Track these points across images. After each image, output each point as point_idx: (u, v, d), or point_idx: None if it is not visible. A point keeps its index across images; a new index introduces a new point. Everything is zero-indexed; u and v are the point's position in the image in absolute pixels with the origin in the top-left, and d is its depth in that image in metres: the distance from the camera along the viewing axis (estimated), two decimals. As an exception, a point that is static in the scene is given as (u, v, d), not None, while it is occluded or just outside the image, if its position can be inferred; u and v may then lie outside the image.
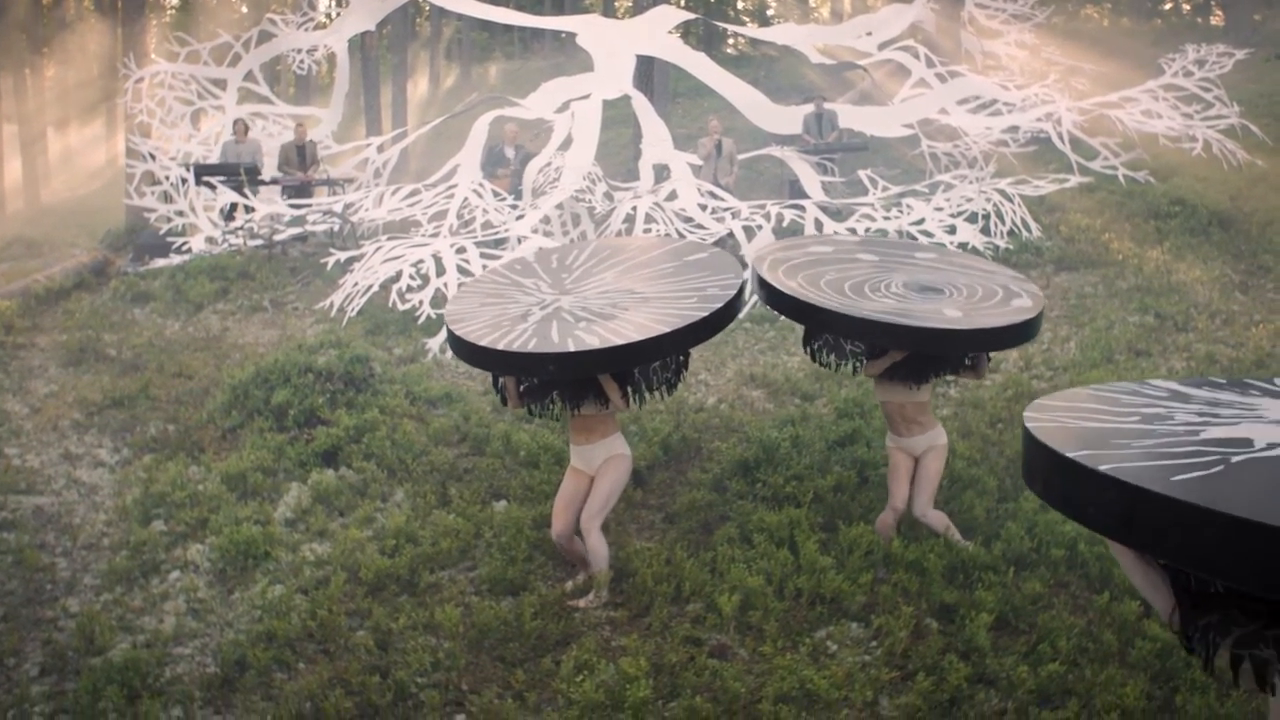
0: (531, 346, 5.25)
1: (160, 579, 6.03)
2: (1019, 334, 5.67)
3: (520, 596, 5.74)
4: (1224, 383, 3.36)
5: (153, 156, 13.84)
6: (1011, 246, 11.46)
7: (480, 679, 5.08)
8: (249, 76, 16.37)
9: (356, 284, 10.05)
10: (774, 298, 5.80)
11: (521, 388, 5.76)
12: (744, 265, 10.36)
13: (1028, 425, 2.91)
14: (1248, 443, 2.65)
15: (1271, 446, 2.61)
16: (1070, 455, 2.62)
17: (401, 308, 9.86)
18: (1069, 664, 4.87)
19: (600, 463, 5.73)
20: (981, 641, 5.06)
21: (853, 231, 10.75)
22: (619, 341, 5.19)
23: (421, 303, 9.67)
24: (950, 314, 5.60)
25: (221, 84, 16.09)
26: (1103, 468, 2.50)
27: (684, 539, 6.32)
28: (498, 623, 5.37)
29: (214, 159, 14.38)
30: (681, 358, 5.85)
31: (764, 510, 6.44)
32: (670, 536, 6.41)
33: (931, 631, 5.29)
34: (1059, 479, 2.66)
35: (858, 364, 6.18)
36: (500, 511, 6.68)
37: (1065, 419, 2.97)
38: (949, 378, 6.79)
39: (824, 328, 5.87)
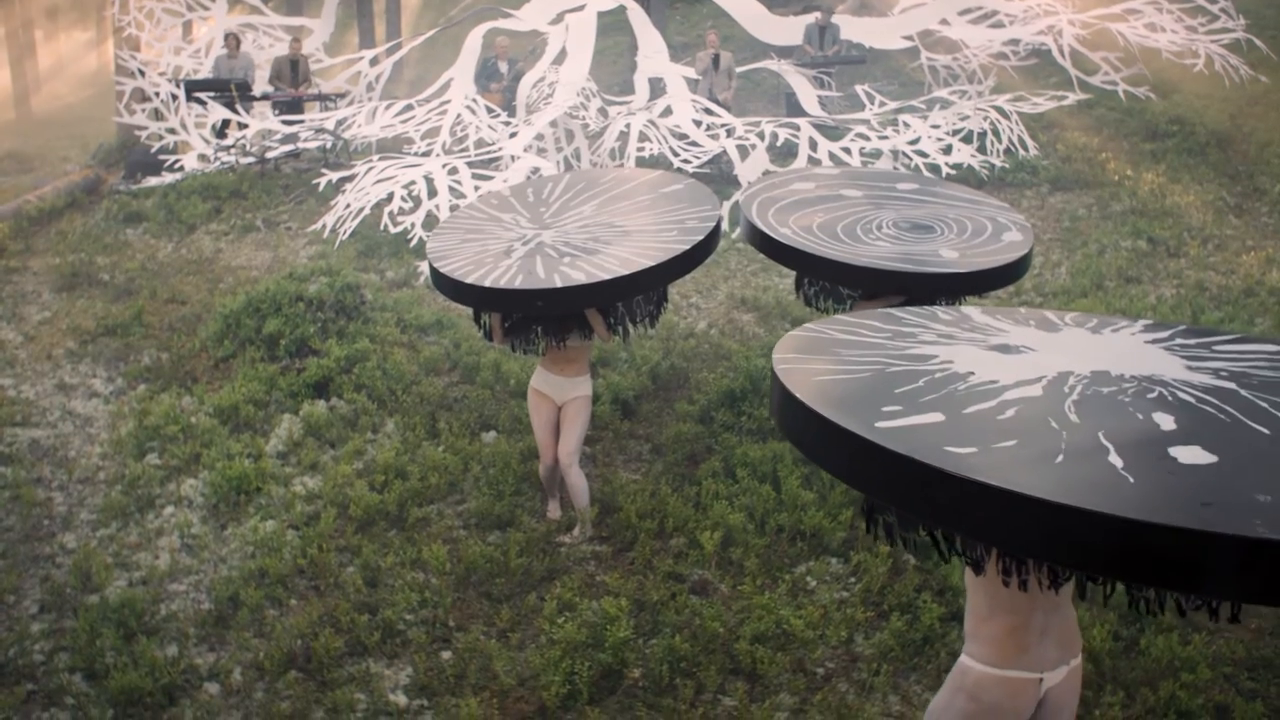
0: (519, 283, 5.30)
1: (155, 514, 6.14)
2: (1014, 272, 5.71)
3: (507, 532, 5.86)
4: (1025, 312, 3.65)
5: (142, 72, 13.65)
6: (1008, 165, 11.38)
7: (466, 615, 5.22)
8: (239, -15, 16.08)
9: (348, 205, 10.01)
10: (770, 247, 5.79)
11: (506, 324, 5.83)
12: (738, 185, 10.36)
13: (792, 332, 3.33)
14: (927, 359, 3.01)
15: (942, 364, 2.97)
16: (775, 358, 3.01)
17: (394, 230, 9.85)
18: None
19: (570, 398, 5.86)
20: (956, 580, 5.19)
21: (846, 151, 10.68)
22: (605, 276, 5.25)
23: (413, 225, 9.65)
24: (947, 255, 5.62)
25: (211, -6, 15.81)
26: (777, 368, 2.91)
27: (669, 472, 6.43)
28: (484, 560, 5.50)
29: (205, 73, 14.19)
30: (663, 290, 5.92)
31: (748, 443, 6.53)
32: (656, 469, 6.51)
33: (908, 568, 5.42)
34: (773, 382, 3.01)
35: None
36: (489, 444, 6.78)
37: (828, 330, 3.34)
38: None
39: (824, 275, 5.88)
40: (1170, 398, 2.73)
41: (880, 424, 2.51)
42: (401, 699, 4.66)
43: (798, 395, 2.70)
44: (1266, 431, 2.53)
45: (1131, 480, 2.26)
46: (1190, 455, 2.38)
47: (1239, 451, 2.41)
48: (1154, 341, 3.29)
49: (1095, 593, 4.37)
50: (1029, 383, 2.82)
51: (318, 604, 5.25)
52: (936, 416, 2.58)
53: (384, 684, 4.74)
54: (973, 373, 2.90)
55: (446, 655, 4.93)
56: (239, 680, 4.78)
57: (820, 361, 3.00)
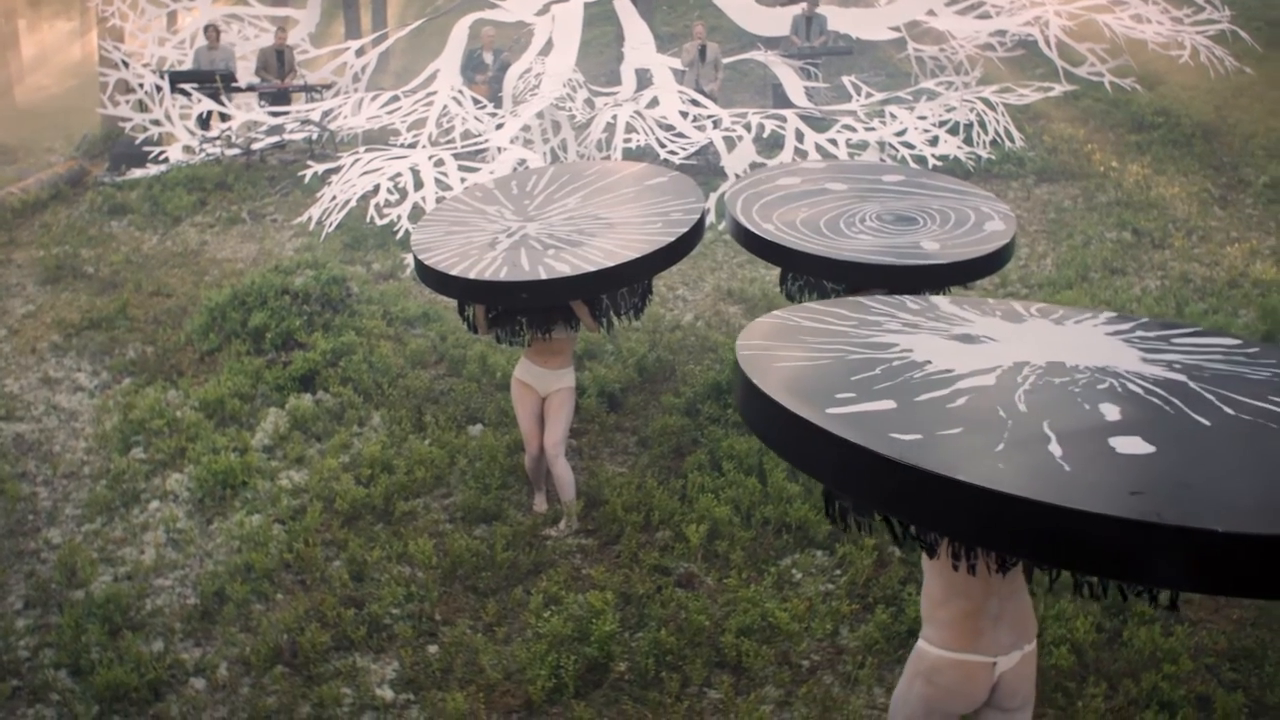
0: (503, 275, 5.31)
1: (140, 509, 6.13)
2: (995, 262, 5.73)
3: (493, 525, 5.87)
4: (993, 303, 3.71)
5: (126, 64, 13.56)
6: (994, 157, 11.40)
7: (453, 609, 5.23)
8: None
9: (334, 198, 9.98)
10: (754, 243, 5.81)
11: (490, 315, 5.85)
12: (724, 177, 10.36)
13: (759, 319, 3.40)
14: (888, 347, 3.10)
15: (902, 352, 3.04)
16: (739, 344, 3.09)
17: (380, 222, 9.82)
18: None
19: (553, 390, 5.87)
20: (940, 573, 5.20)
21: (833, 143, 10.68)
22: (590, 268, 5.26)
23: (400, 217, 9.63)
24: (927, 246, 5.64)
25: (195, -17, 15.70)
26: (740, 355, 2.98)
27: (655, 464, 6.44)
28: (470, 554, 5.50)
29: (188, 65, 14.11)
30: (647, 282, 5.94)
31: (734, 436, 6.54)
32: (642, 462, 6.52)
33: (893, 561, 5.44)
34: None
35: None
36: (475, 437, 6.78)
37: (794, 318, 3.40)
38: None
39: (806, 270, 5.90)
40: (1120, 389, 2.78)
41: (831, 410, 2.58)
42: (388, 693, 4.66)
43: (755, 380, 2.75)
44: (1208, 423, 2.58)
45: (1067, 469, 2.31)
46: (1129, 445, 2.44)
47: (1177, 442, 2.47)
48: (1115, 333, 3.33)
49: (1082, 585, 4.41)
50: (984, 372, 2.88)
51: (304, 598, 5.25)
52: (889, 404, 2.65)
53: (370, 678, 4.75)
54: (930, 361, 2.96)
55: (433, 649, 4.94)
56: (225, 675, 4.78)
57: (784, 348, 3.06)
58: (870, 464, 2.39)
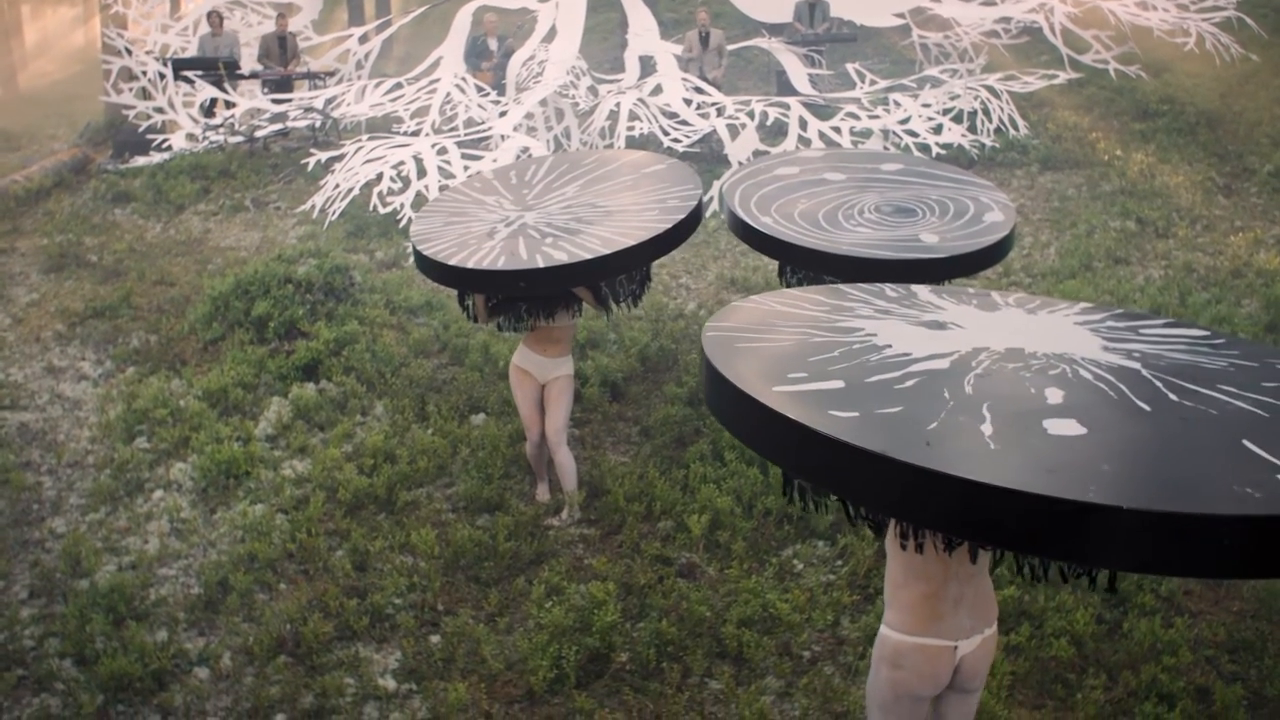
0: (501, 264, 5.33)
1: (144, 498, 6.15)
2: (995, 254, 5.72)
3: (495, 515, 5.88)
4: (972, 292, 3.72)
5: (129, 51, 13.54)
6: (998, 145, 11.38)
7: (455, 599, 5.25)
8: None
9: (337, 186, 9.98)
10: (752, 236, 5.81)
11: (490, 304, 5.87)
12: (728, 164, 10.35)
13: (734, 303, 3.42)
14: (853, 331, 3.13)
15: (865, 336, 3.08)
16: (707, 325, 3.13)
17: (383, 210, 9.83)
18: (1024, 587, 5.04)
19: (552, 377, 5.90)
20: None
21: (837, 131, 10.66)
22: (587, 256, 5.28)
23: (403, 205, 9.64)
24: (927, 239, 5.63)
25: (197, -30, 15.65)
26: (705, 336, 3.01)
27: (657, 454, 6.45)
28: (472, 543, 5.52)
29: (191, 51, 14.10)
30: (646, 269, 5.96)
31: (737, 426, 6.54)
32: (644, 452, 6.53)
33: (894, 551, 5.45)
34: None
35: None
36: (477, 426, 6.79)
37: (768, 302, 3.44)
38: None
39: (803, 264, 5.89)
40: (1071, 375, 2.80)
41: (778, 388, 2.61)
42: (390, 683, 4.69)
43: (712, 360, 2.78)
44: (1148, 409, 2.60)
45: (992, 447, 2.34)
46: (1061, 427, 2.46)
47: (1111, 425, 2.49)
48: (1084, 323, 3.35)
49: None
50: (940, 357, 2.90)
51: (307, 588, 5.28)
52: (837, 384, 2.68)
53: (373, 668, 4.77)
54: (890, 345, 2.98)
55: (435, 639, 4.96)
56: (228, 665, 4.81)
57: (751, 332, 3.09)
58: (801, 438, 2.43)
